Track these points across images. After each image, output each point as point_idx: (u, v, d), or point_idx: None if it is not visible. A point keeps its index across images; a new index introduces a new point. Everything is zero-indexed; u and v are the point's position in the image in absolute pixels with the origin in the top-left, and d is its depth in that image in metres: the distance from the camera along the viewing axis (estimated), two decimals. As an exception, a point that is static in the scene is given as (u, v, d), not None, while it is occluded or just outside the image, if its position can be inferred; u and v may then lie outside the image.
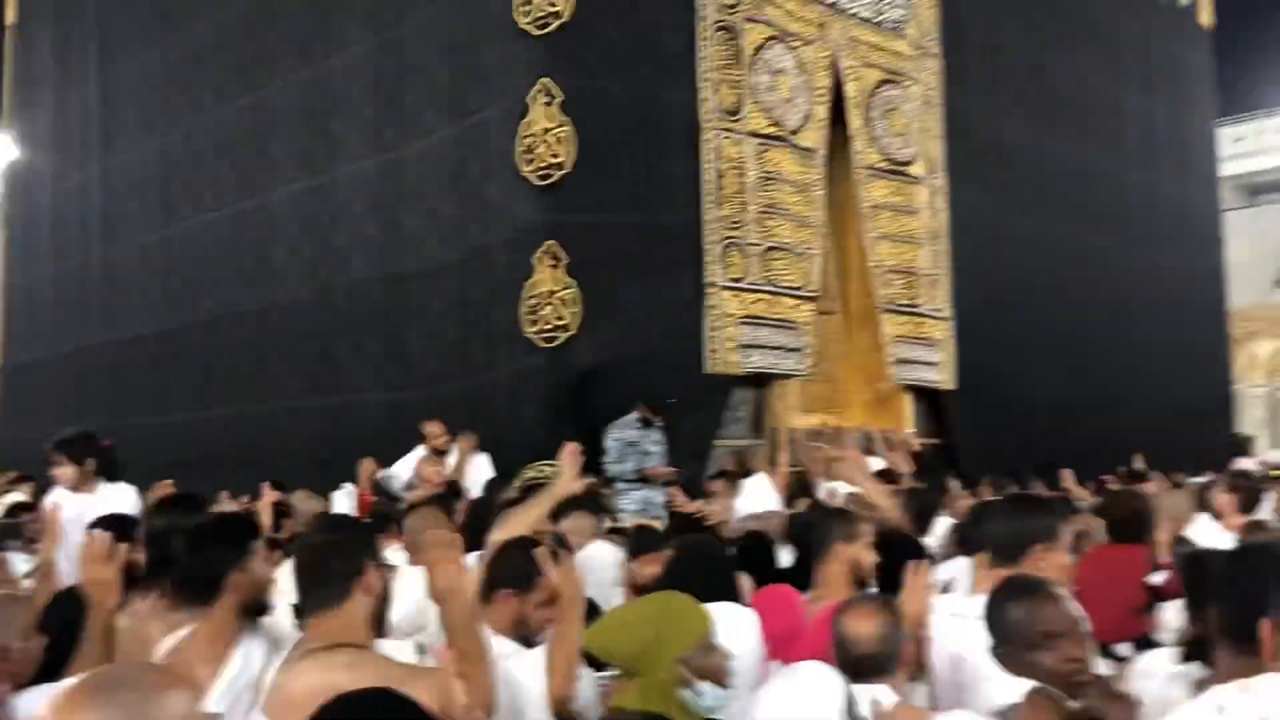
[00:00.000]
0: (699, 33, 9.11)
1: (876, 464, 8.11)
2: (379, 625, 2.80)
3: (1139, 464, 10.68)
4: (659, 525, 6.08)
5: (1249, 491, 5.94)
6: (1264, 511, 6.08)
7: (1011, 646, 2.56)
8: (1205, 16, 15.46)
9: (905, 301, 10.64)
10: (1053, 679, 2.48)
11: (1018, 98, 12.25)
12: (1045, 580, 2.78)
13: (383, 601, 2.81)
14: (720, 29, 9.28)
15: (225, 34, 11.76)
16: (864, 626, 2.69)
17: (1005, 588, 2.72)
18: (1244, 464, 9.79)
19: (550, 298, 8.02)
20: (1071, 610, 2.63)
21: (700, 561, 3.87)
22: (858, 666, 2.67)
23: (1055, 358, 12.16)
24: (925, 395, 10.93)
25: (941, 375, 10.92)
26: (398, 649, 2.96)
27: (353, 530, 4.57)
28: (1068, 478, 9.00)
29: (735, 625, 3.29)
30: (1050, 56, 12.70)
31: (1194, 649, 2.83)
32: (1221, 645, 2.60)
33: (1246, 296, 43.71)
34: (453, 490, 6.91)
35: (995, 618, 2.63)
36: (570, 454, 4.08)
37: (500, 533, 3.81)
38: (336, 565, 2.61)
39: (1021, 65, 12.29)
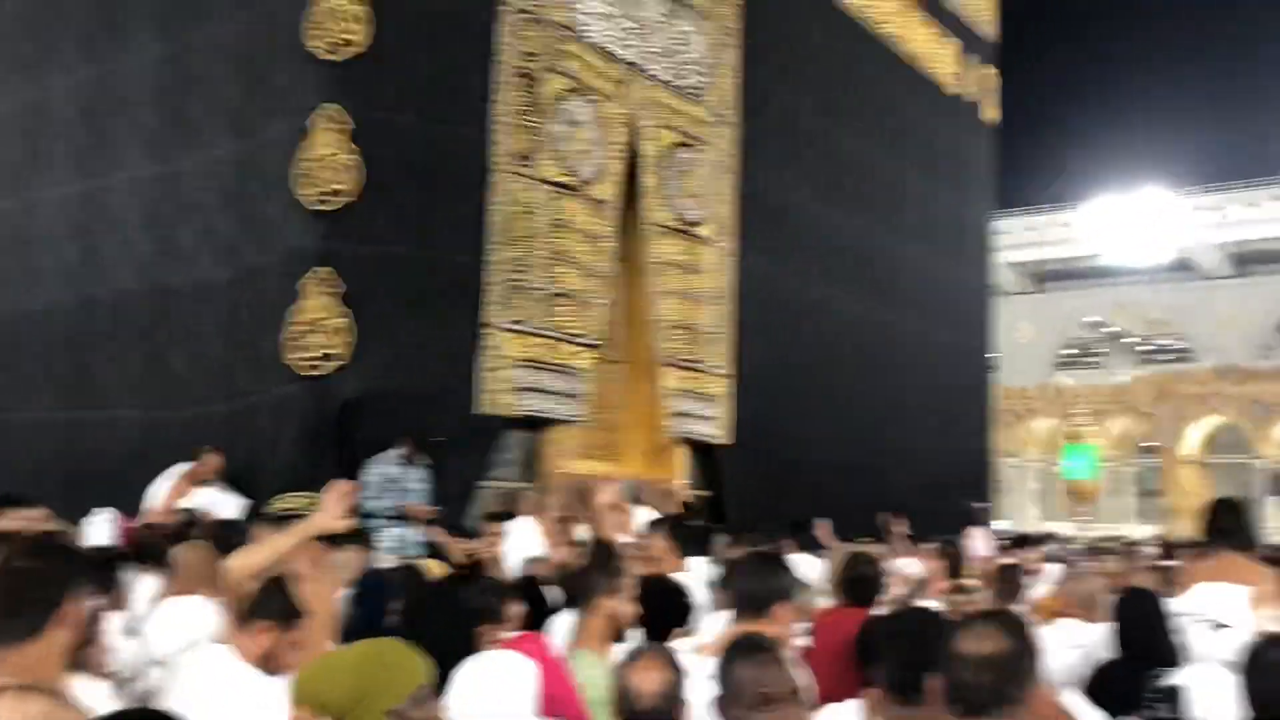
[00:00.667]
0: (497, 76, 9.19)
1: (645, 513, 8.26)
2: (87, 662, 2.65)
3: (902, 527, 11.24)
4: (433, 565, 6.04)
5: (953, 559, 6.37)
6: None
7: (734, 705, 2.60)
8: (990, 112, 16.64)
9: (686, 357, 10.91)
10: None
11: (809, 171, 12.85)
12: (773, 641, 2.84)
13: (88, 637, 2.66)
14: (520, 75, 9.39)
15: (2, 22, 11.14)
16: (648, 680, 2.65)
17: (734, 646, 2.76)
18: (975, 533, 10.41)
19: (317, 325, 7.87)
20: (791, 674, 2.69)
21: (437, 610, 3.86)
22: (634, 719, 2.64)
23: (829, 420, 12.71)
24: (700, 449, 11.21)
25: (717, 430, 11.23)
26: (93, 691, 2.80)
27: (59, 557, 4.35)
28: (824, 531, 9.37)
29: (510, 675, 3.32)
30: (842, 135, 13.40)
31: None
32: (892, 698, 2.83)
33: (1029, 377, 46.89)
34: (190, 520, 6.66)
35: (723, 675, 2.66)
36: (339, 492, 3.86)
37: (238, 559, 3.72)
38: (31, 595, 2.38)
39: (814, 140, 12.91)
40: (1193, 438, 41.54)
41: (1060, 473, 36.70)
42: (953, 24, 15.65)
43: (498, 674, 3.41)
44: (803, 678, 2.80)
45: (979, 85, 16.26)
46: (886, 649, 3.06)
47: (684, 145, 11.07)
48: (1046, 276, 49.43)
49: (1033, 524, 41.47)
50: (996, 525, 33.03)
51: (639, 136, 10.52)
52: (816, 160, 13.02)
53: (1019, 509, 44.76)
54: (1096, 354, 53.39)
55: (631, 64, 10.50)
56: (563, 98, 9.75)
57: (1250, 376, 40.43)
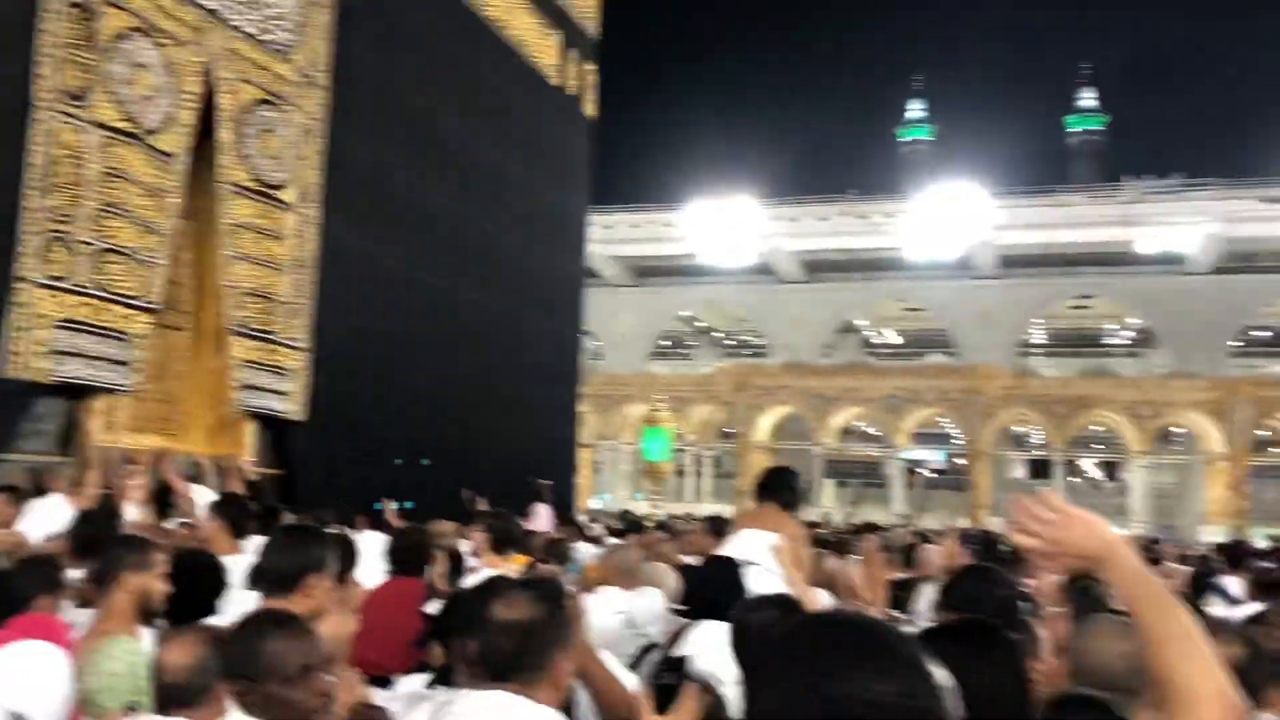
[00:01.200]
0: (43, 4, 8.18)
1: (205, 492, 7.69)
2: None
3: (483, 505, 11.34)
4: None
5: (503, 532, 6.50)
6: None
7: (256, 682, 2.40)
8: (590, 107, 17.21)
9: (259, 327, 10.33)
10: (301, 713, 2.42)
11: (405, 144, 12.61)
12: (295, 615, 2.70)
13: None
14: (74, 5, 8.42)
15: None
16: (177, 656, 2.62)
17: (256, 621, 2.60)
18: (541, 510, 10.76)
19: None
20: (319, 644, 2.58)
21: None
22: (165, 695, 2.59)
23: (418, 398, 12.56)
24: (272, 424, 10.67)
25: (291, 405, 10.74)
26: None
27: None
28: (390, 510, 9.27)
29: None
30: (443, 112, 13.29)
31: (442, 675, 3.38)
32: (471, 671, 2.74)
33: (628, 364, 49.38)
34: None
35: (248, 652, 2.47)
36: None
37: None
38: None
39: (412, 114, 12.69)
40: (764, 425, 45.71)
41: (641, 454, 38.82)
42: (557, 16, 16.02)
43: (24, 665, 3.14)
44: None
45: (580, 80, 16.77)
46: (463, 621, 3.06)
47: (267, 102, 10.46)
48: (646, 271, 52.27)
49: (625, 503, 43.76)
50: (595, 504, 34.48)
51: (216, 89, 9.81)
52: (414, 134, 12.81)
53: (613, 488, 47.07)
54: (687, 346, 57.30)
55: (211, 10, 9.75)
56: (125, 36, 8.86)
57: (813, 372, 45.14)
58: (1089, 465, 55.48)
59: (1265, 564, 7.54)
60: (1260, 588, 5.49)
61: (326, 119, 11.18)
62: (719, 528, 7.14)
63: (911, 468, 51.50)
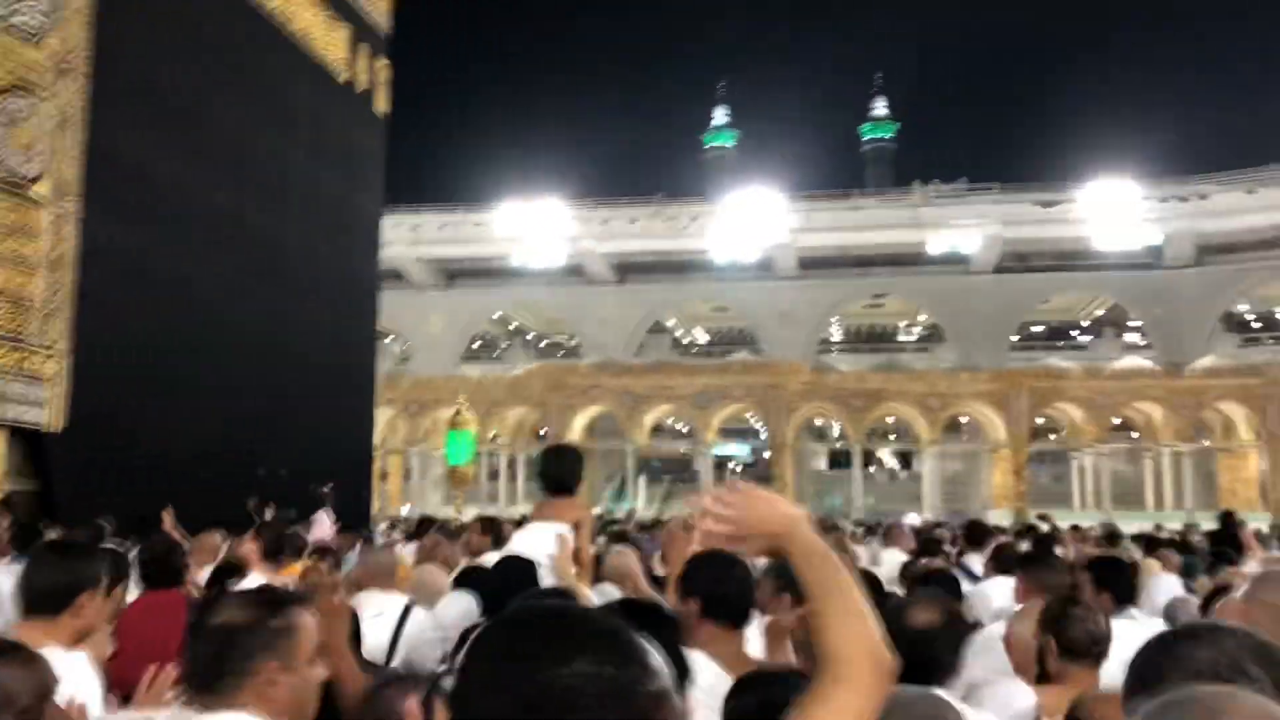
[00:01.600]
0: None
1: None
2: None
3: (269, 514, 10.87)
4: None
5: (273, 540, 6.25)
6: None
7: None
8: (382, 104, 16.78)
9: (8, 332, 9.58)
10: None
11: (177, 137, 11.96)
12: (20, 644, 2.51)
13: None
14: None
15: None
16: None
17: None
18: (322, 517, 10.40)
19: None
20: (50, 673, 2.39)
21: None
22: None
23: (193, 405, 11.93)
24: (25, 436, 9.91)
25: (47, 414, 10.00)
26: None
27: None
28: (168, 520, 8.77)
29: None
30: (219, 104, 12.66)
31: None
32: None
33: (439, 368, 48.58)
34: None
35: None
36: None
37: None
38: None
39: (184, 105, 12.04)
40: (577, 426, 45.83)
41: (444, 458, 38.40)
42: (345, 10, 15.54)
43: None
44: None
45: (372, 76, 16.32)
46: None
47: (17, 90, 9.71)
48: (457, 273, 51.61)
49: (436, 508, 43.04)
50: (406, 511, 33.67)
51: (-48, 74, 9.03)
52: (187, 126, 12.16)
53: (421, 495, 46.25)
54: (500, 348, 56.91)
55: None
56: None
57: (625, 371, 45.55)
58: (886, 455, 58.20)
59: (1003, 540, 8.05)
60: (997, 564, 5.81)
61: (86, 109, 10.47)
62: (493, 527, 7.06)
63: (721, 462, 52.77)
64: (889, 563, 7.36)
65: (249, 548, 6.39)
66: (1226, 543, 8.57)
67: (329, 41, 15.20)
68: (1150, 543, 9.67)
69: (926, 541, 8.33)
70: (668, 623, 2.20)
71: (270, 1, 13.75)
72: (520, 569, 4.56)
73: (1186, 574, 7.00)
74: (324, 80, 15.15)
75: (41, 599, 3.10)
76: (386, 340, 55.45)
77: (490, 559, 5.89)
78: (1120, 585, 4.35)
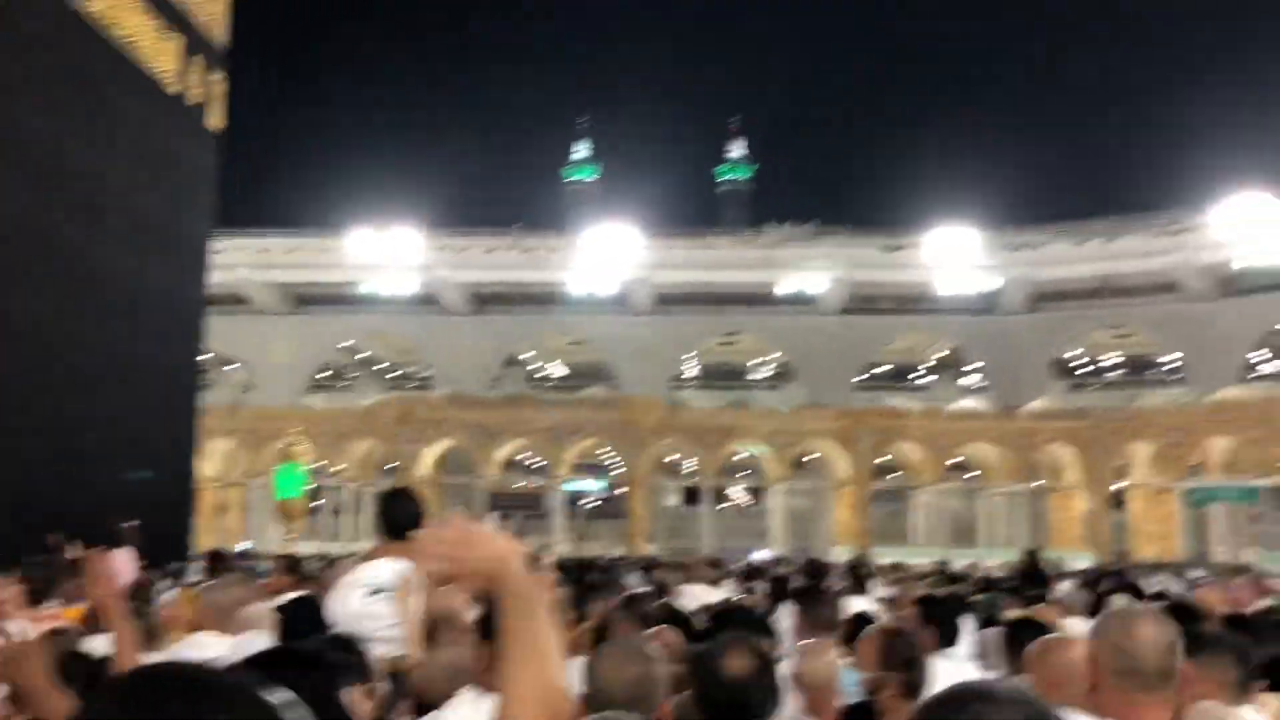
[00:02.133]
0: None
1: None
2: None
3: (76, 552, 9.95)
4: None
5: (37, 583, 5.66)
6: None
7: None
8: (216, 119, 15.87)
9: None
10: None
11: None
12: None
13: None
14: None
15: None
16: None
17: None
18: (120, 553, 9.48)
19: None
20: None
21: None
22: None
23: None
24: None
25: None
26: None
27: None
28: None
29: None
30: (24, 109, 11.67)
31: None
32: None
33: (284, 397, 46.76)
34: None
35: None
36: None
37: None
38: None
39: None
40: (427, 460, 44.71)
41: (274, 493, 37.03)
42: (177, 19, 14.65)
43: None
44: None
45: (205, 89, 15.44)
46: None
47: None
48: (305, 299, 49.91)
49: (275, 544, 41.17)
50: (243, 545, 32.05)
51: None
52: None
53: (260, 530, 44.26)
54: (349, 378, 55.22)
55: None
56: None
57: (476, 404, 44.72)
58: (737, 491, 58.73)
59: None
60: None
61: None
62: (292, 566, 6.60)
63: (574, 498, 52.26)
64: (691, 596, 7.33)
65: (9, 590, 5.70)
66: (1031, 577, 8.88)
67: (158, 50, 14.29)
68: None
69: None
70: (322, 670, 2.14)
71: (94, 3, 12.82)
72: (307, 611, 4.21)
73: (988, 610, 7.11)
74: (151, 91, 14.21)
75: None
76: (227, 368, 53.17)
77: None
78: (946, 624, 4.42)
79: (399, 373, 55.41)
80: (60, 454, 12.03)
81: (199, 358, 15.76)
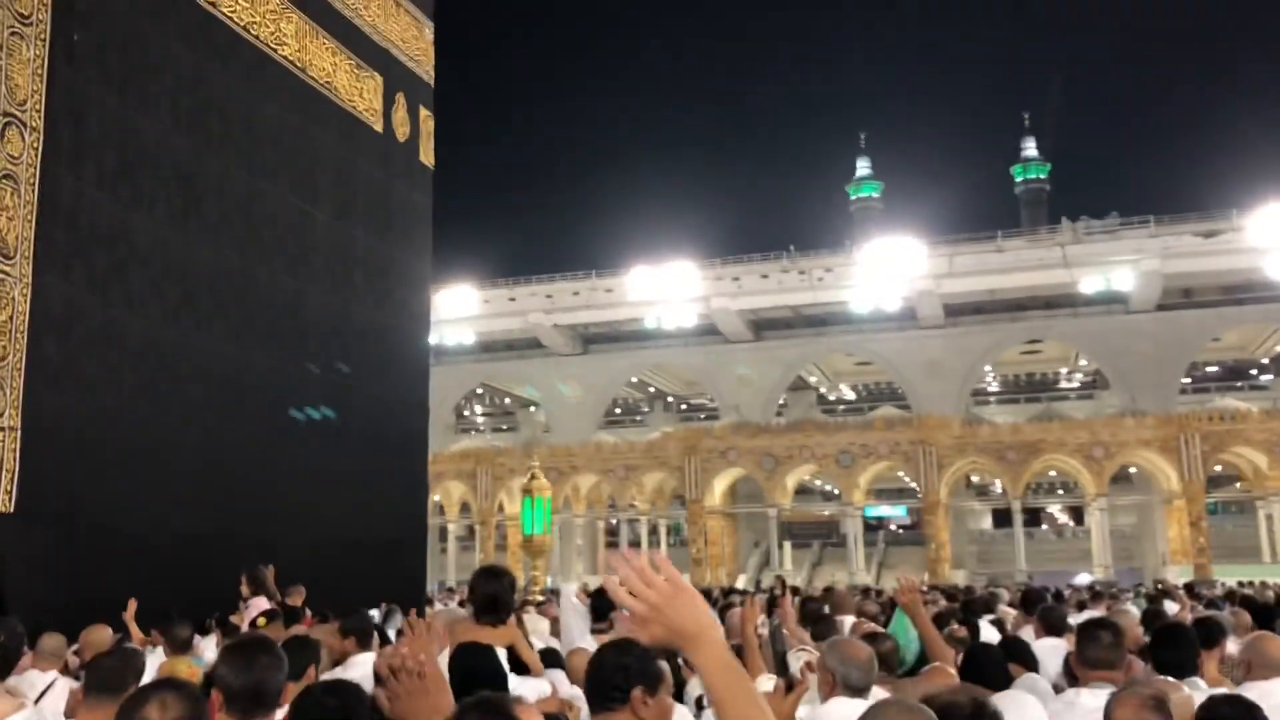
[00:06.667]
0: None
1: None
2: None
3: (297, 599, 9.49)
4: None
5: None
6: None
7: None
8: (428, 157, 15.48)
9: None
10: None
11: (154, 193, 10.80)
12: None
13: None
14: None
15: None
16: None
17: None
18: (255, 604, 8.73)
19: None
20: None
21: None
22: None
23: (183, 483, 10.62)
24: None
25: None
26: None
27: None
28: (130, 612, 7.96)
29: None
30: (208, 160, 11.50)
31: None
32: None
33: (578, 434, 47.32)
34: None
35: None
36: None
37: None
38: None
39: (160, 157, 10.89)
40: (717, 488, 43.71)
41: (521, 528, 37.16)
42: (381, 59, 14.37)
43: None
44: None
45: (415, 128, 15.08)
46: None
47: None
48: (593, 338, 50.57)
49: (581, 578, 41.52)
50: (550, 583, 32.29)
51: None
52: (170, 183, 11.00)
53: (568, 564, 44.81)
54: (639, 412, 55.41)
55: None
56: None
57: (761, 431, 43.20)
58: (1056, 511, 53.46)
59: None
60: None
61: (36, 163, 9.43)
62: (361, 630, 5.52)
63: (877, 524, 49.43)
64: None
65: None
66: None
67: (363, 92, 14.03)
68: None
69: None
70: None
71: (283, 47, 12.65)
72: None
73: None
74: (356, 130, 13.94)
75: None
76: (530, 409, 54.82)
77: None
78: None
79: (688, 404, 54.98)
80: (266, 497, 11.72)
81: (425, 398, 15.28)
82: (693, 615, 1.58)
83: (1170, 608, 10.40)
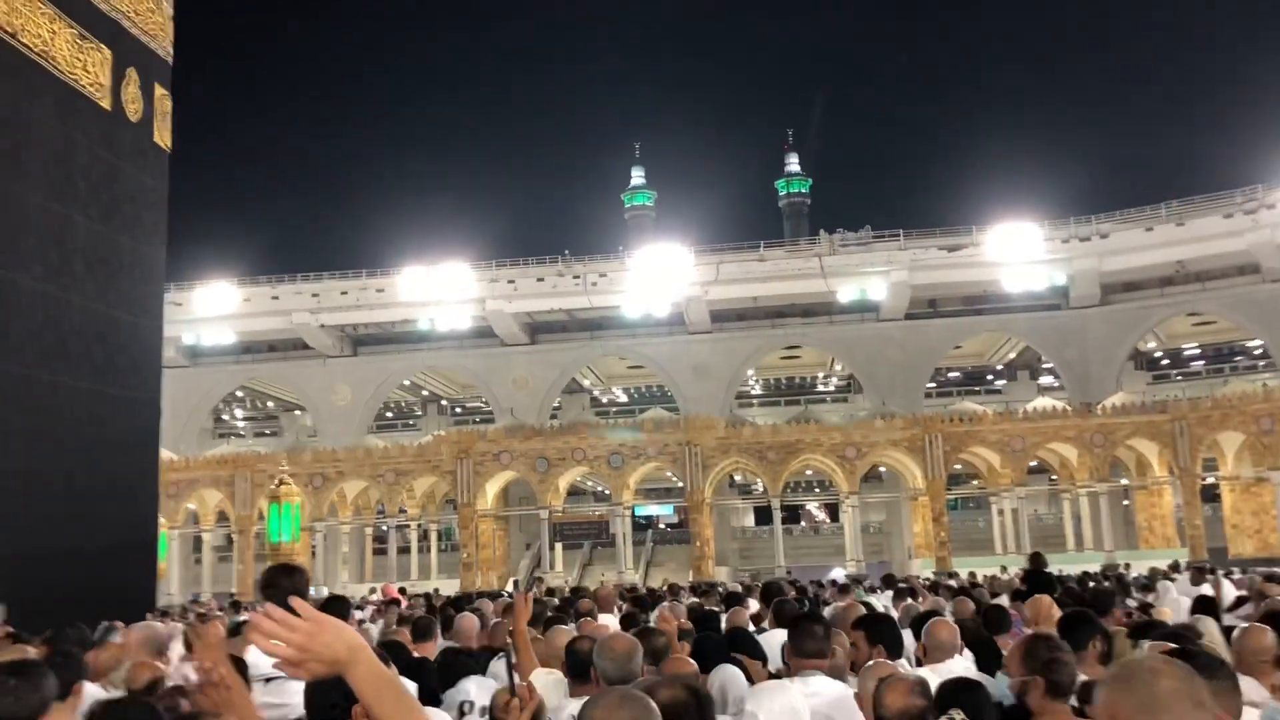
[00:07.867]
0: None
1: None
2: None
3: None
4: None
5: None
6: None
7: None
8: (163, 137, 14.26)
9: None
10: None
11: None
12: None
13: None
14: None
15: None
16: None
17: None
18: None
19: None
20: None
21: None
22: None
23: None
24: None
25: None
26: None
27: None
28: None
29: None
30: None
31: None
32: None
33: (348, 438, 45.56)
34: None
35: None
36: None
37: None
38: None
39: None
40: (490, 491, 43.10)
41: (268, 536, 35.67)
42: (109, 30, 13.11)
43: None
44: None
45: (145, 106, 13.87)
46: None
47: None
48: (363, 340, 48.92)
49: (344, 587, 39.88)
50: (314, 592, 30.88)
51: None
52: None
53: (333, 572, 43.05)
54: (415, 415, 54.06)
55: None
56: None
57: (535, 434, 42.92)
58: (813, 508, 55.99)
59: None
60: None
61: None
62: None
63: (646, 523, 50.15)
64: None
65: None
66: (1038, 584, 9.50)
67: (81, 62, 12.76)
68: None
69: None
70: None
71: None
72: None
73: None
74: (78, 105, 12.69)
75: None
76: (296, 413, 52.44)
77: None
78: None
79: (462, 407, 54.09)
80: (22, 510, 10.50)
81: (157, 401, 14.09)
82: (341, 642, 1.64)
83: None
